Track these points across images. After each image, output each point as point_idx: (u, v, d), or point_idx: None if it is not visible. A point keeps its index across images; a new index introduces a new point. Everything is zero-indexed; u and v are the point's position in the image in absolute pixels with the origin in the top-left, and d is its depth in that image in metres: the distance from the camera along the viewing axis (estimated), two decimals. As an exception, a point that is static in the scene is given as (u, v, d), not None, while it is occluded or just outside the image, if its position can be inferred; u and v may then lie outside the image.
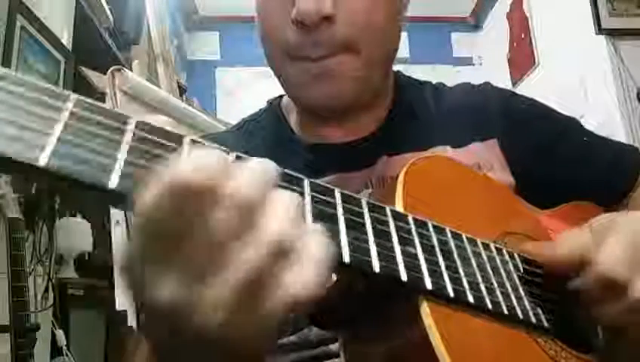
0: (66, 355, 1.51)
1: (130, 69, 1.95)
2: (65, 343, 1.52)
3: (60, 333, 1.52)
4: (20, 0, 1.35)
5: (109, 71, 1.54)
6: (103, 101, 1.48)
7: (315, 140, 0.67)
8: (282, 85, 0.64)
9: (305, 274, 0.28)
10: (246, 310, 0.27)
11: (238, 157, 0.31)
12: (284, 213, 0.28)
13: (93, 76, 1.74)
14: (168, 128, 0.30)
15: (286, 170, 0.33)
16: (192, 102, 2.87)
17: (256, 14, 0.63)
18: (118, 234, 1.35)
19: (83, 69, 1.73)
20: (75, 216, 1.78)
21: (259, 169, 0.28)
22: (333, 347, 0.54)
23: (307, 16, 0.53)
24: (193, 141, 0.30)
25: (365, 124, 0.66)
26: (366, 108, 0.66)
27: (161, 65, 2.48)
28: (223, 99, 3.31)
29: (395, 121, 0.67)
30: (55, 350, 1.52)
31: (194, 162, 0.26)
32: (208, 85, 3.36)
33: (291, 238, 0.28)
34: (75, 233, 1.69)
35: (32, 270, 1.41)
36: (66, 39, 1.65)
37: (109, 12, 1.94)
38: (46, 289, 1.51)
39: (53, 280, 1.56)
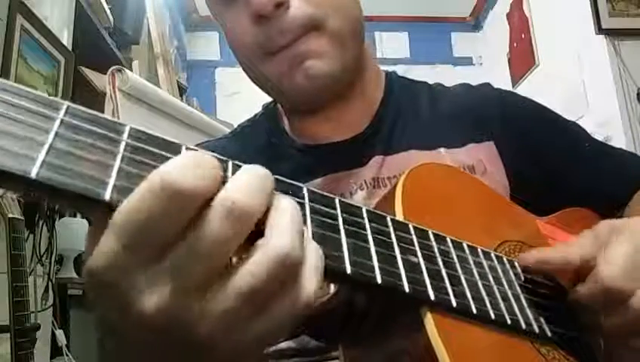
0: (66, 355, 1.51)
1: (130, 69, 1.95)
2: (65, 343, 1.52)
3: (59, 333, 1.52)
4: (19, 0, 1.35)
5: (109, 71, 1.54)
6: (103, 101, 1.48)
7: (307, 141, 0.67)
8: (266, 90, 0.65)
9: (309, 283, 0.27)
10: (249, 319, 0.26)
11: (236, 166, 0.29)
12: (290, 223, 0.27)
13: (93, 76, 1.74)
14: (165, 137, 0.28)
15: (284, 179, 0.32)
16: (192, 102, 2.88)
17: (225, 37, 0.64)
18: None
19: (83, 69, 1.73)
20: (75, 216, 1.78)
21: (257, 175, 0.27)
22: (334, 353, 0.53)
23: (262, 7, 0.55)
24: (189, 149, 0.29)
25: (354, 121, 0.66)
26: (351, 98, 0.66)
27: (161, 65, 2.48)
28: (223, 99, 3.31)
29: (385, 119, 0.67)
30: (55, 350, 1.52)
31: (183, 162, 0.25)
32: (208, 85, 3.36)
33: (298, 251, 0.27)
34: (75, 233, 1.68)
35: (32, 270, 1.40)
36: (66, 39, 1.65)
37: (109, 12, 1.94)
38: (46, 289, 1.50)
39: (53, 280, 1.55)
